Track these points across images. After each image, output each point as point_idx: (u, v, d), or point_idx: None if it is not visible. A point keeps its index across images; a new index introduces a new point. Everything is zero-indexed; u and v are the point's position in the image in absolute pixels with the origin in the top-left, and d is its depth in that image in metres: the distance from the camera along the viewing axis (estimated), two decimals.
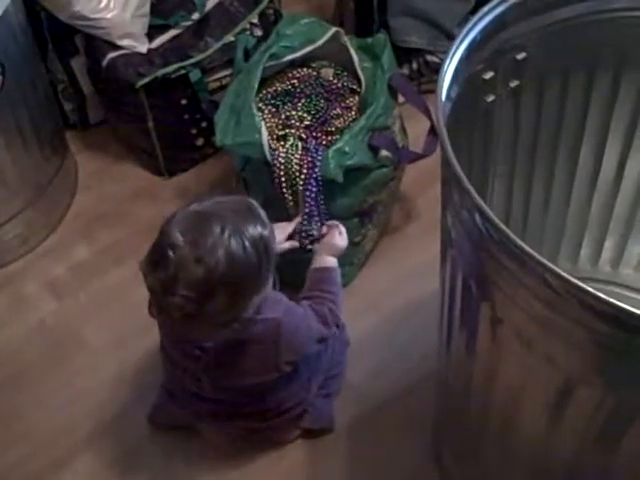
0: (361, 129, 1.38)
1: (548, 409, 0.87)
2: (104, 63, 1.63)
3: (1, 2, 1.38)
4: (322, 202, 1.38)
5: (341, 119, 1.46)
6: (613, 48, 1.10)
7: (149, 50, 1.65)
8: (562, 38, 1.06)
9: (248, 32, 1.69)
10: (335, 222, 1.34)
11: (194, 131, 1.74)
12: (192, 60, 1.64)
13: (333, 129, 1.44)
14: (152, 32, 1.67)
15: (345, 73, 1.53)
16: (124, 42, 1.63)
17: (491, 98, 1.05)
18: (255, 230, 1.07)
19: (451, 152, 0.79)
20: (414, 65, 1.88)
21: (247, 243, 1.05)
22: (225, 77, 1.67)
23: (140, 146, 1.79)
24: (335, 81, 1.52)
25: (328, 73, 1.53)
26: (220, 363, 1.20)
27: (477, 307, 0.88)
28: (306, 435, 1.39)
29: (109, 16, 1.59)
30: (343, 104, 1.49)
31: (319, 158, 1.35)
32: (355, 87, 1.51)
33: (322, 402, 1.38)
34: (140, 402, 1.43)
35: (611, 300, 0.71)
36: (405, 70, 1.89)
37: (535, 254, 0.74)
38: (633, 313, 0.71)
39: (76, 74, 1.76)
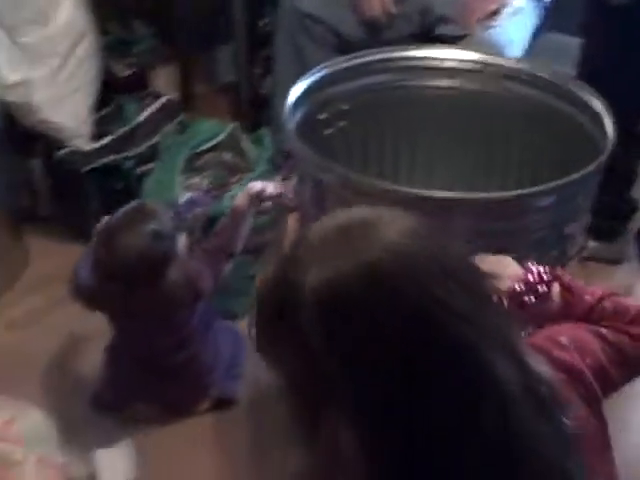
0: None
1: None
2: (57, 158, 2.17)
3: None
4: None
5: (237, 183, 2.04)
6: (409, 108, 1.70)
7: (92, 148, 2.20)
8: (373, 97, 1.66)
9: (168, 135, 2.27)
10: None
11: None
12: (124, 155, 2.20)
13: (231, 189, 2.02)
14: (95, 137, 2.22)
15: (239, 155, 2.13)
16: (74, 141, 2.18)
17: (329, 131, 1.62)
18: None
19: (290, 130, 1.34)
20: None
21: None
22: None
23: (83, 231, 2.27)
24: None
25: (227, 156, 2.13)
26: None
27: None
28: (213, 408, 1.80)
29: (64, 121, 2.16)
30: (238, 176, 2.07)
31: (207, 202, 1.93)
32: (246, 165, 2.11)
33: (229, 379, 1.82)
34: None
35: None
36: None
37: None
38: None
39: (34, 172, 2.28)
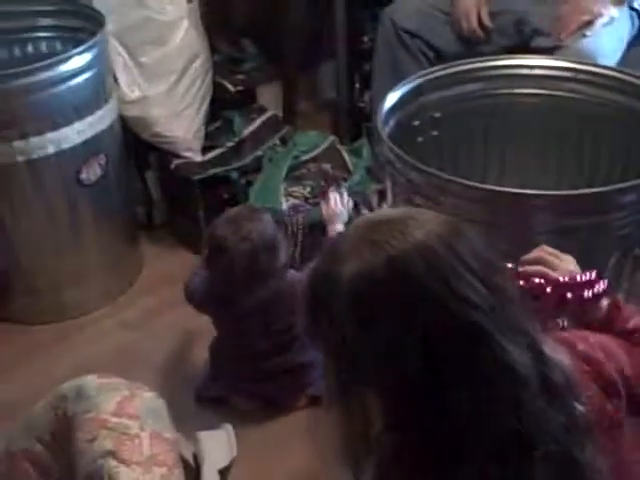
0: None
1: None
2: (172, 167, 2.33)
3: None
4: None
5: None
6: (499, 115, 1.76)
7: (202, 160, 2.35)
8: (464, 105, 1.73)
9: (271, 148, 2.39)
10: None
11: None
12: (232, 166, 2.34)
13: None
14: (205, 149, 2.38)
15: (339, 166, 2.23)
16: (186, 154, 2.34)
17: (421, 139, 1.70)
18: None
19: (384, 134, 1.42)
20: None
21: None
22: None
23: (193, 237, 2.42)
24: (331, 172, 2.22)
25: (327, 167, 2.24)
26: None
27: None
28: (309, 405, 1.90)
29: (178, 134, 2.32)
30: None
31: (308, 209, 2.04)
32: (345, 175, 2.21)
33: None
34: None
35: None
36: None
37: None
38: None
39: (148, 183, 2.45)
